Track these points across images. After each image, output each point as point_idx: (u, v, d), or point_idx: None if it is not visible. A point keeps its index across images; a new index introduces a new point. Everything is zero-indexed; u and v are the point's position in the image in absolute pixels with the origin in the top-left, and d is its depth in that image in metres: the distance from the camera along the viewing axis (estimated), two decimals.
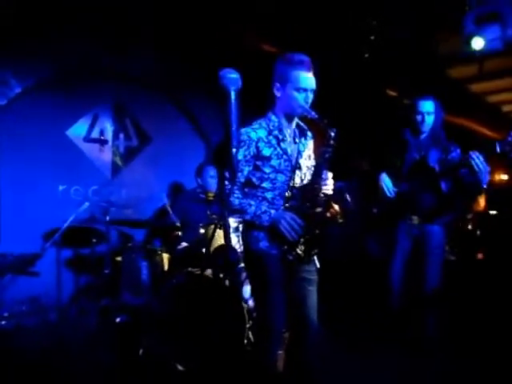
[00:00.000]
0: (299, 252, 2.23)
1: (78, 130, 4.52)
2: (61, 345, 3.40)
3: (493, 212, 7.22)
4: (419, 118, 3.28)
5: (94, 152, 4.59)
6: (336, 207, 2.32)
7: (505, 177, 8.20)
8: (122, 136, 4.72)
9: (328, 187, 2.28)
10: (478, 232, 6.74)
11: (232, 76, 1.36)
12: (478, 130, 7.14)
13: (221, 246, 3.42)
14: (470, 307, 4.20)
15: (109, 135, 4.66)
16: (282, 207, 2.27)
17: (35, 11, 3.95)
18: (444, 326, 3.40)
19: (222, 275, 3.25)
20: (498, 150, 2.88)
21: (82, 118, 4.52)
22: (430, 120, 3.28)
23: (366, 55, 4.41)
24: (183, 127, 4.93)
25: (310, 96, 2.24)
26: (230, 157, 1.26)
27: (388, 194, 3.39)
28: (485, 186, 3.05)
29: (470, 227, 6.80)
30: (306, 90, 2.21)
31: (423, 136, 3.34)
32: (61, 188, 4.43)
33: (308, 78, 2.21)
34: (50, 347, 3.36)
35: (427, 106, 3.27)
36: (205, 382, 2.85)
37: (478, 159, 2.92)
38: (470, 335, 3.62)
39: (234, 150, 1.26)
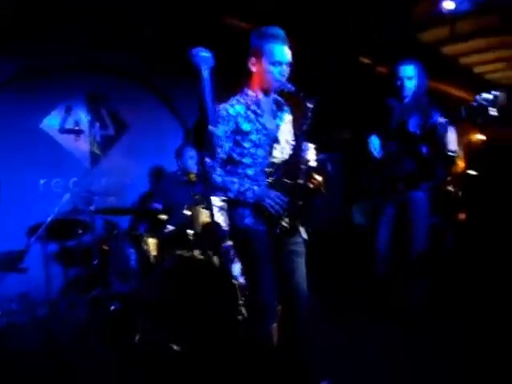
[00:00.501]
0: (285, 225, 2.25)
1: (51, 122, 4.42)
2: (53, 340, 3.38)
3: (472, 172, 7.36)
4: (399, 83, 3.29)
5: (70, 143, 4.51)
6: (318, 178, 2.34)
7: (482, 137, 8.33)
8: (97, 125, 4.64)
9: (309, 159, 2.29)
10: (460, 193, 6.88)
11: (204, 54, 1.35)
12: (451, 92, 7.22)
13: (207, 225, 3.43)
14: (454, 270, 4.30)
15: (84, 125, 4.58)
16: (265, 183, 2.28)
17: (4, 3, 3.82)
18: (428, 293, 3.45)
19: (210, 253, 3.26)
20: (464, 115, 2.91)
21: (55, 109, 4.43)
22: (410, 85, 3.28)
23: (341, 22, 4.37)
24: (160, 112, 4.87)
25: (286, 69, 2.24)
26: (207, 134, 1.25)
27: (375, 154, 3.41)
28: (451, 153, 3.10)
29: (450, 189, 6.92)
30: (281, 64, 2.21)
31: (406, 101, 3.34)
32: (41, 182, 4.37)
33: (283, 51, 2.21)
34: (43, 342, 3.35)
35: (407, 71, 3.27)
36: (202, 361, 2.88)
37: (442, 127, 2.99)
38: (454, 301, 3.71)
39: (211, 127, 1.26)
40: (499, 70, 6.71)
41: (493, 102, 2.79)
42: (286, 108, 2.44)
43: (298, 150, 2.30)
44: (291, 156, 2.35)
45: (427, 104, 3.29)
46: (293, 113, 2.46)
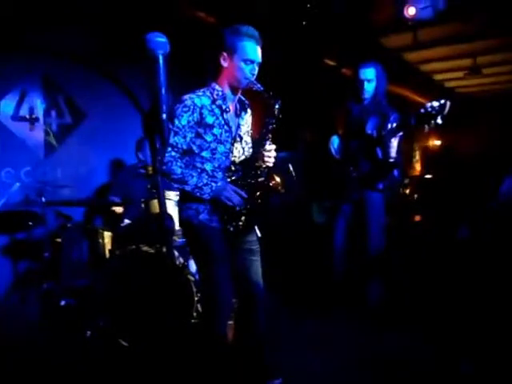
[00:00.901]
0: (240, 223, 2.24)
1: (4, 108, 4.22)
2: (4, 335, 3.26)
3: (428, 176, 7.60)
4: (359, 85, 3.33)
5: (24, 131, 4.32)
6: (277, 178, 2.36)
7: (438, 142, 8.62)
8: (54, 113, 4.47)
9: (270, 158, 2.28)
10: (415, 196, 7.08)
11: (159, 40, 1.31)
12: (411, 97, 7.42)
13: (156, 215, 3.37)
14: (410, 270, 4.41)
15: (39, 112, 4.40)
16: (223, 180, 2.26)
17: None
18: (385, 292, 3.52)
19: (158, 245, 3.20)
20: (413, 122, 3.00)
21: (8, 94, 4.24)
22: (370, 87, 3.33)
23: (304, 23, 4.40)
24: (118, 101, 4.73)
25: (256, 68, 2.24)
26: (159, 123, 1.22)
27: (334, 153, 3.48)
28: (391, 160, 3.22)
29: (407, 191, 7.11)
30: (253, 62, 2.21)
31: (365, 102, 3.39)
32: None
33: (256, 51, 2.21)
34: None
35: (367, 74, 3.32)
36: (155, 357, 2.83)
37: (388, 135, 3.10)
38: (411, 299, 3.77)
39: (164, 115, 1.22)
40: (458, 78, 6.93)
41: (439, 110, 2.89)
42: (248, 110, 2.45)
43: (259, 149, 2.29)
44: (252, 155, 2.35)
45: (385, 106, 3.35)
46: (256, 113, 2.47)
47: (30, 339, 3.15)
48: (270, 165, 2.30)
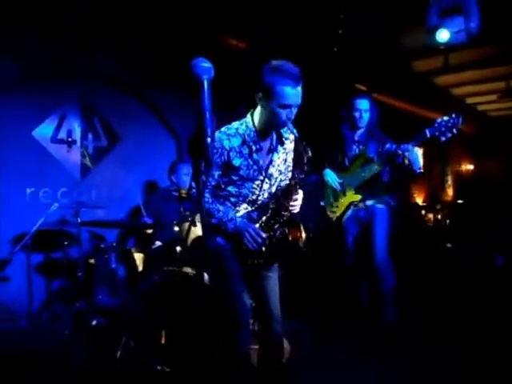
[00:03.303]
0: (256, 263, 2.26)
1: (44, 131, 4.39)
2: (34, 351, 3.31)
3: (460, 201, 7.44)
4: (357, 114, 3.53)
5: (61, 153, 4.47)
6: (303, 233, 2.34)
7: (471, 166, 8.45)
8: (90, 136, 4.61)
9: (295, 206, 2.27)
10: (447, 221, 6.93)
11: (204, 65, 1.34)
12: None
13: (198, 239, 3.39)
14: (439, 296, 4.32)
15: (77, 135, 4.55)
16: (246, 215, 2.28)
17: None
18: (408, 318, 3.58)
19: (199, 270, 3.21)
20: (428, 135, 3.16)
21: (48, 117, 4.40)
22: (366, 116, 3.54)
23: (335, 49, 4.45)
24: (153, 125, 4.86)
25: (294, 111, 2.11)
26: (204, 146, 1.24)
27: (335, 186, 3.62)
28: (418, 171, 3.34)
29: (439, 217, 6.97)
30: (290, 107, 2.07)
31: (361, 131, 3.60)
32: (29, 191, 4.31)
33: (295, 94, 2.04)
34: (23, 354, 3.27)
35: (363, 104, 3.53)
36: (186, 381, 2.82)
37: (407, 150, 3.24)
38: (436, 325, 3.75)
39: (209, 139, 1.24)
40: (491, 101, 6.84)
41: (452, 124, 3.08)
42: (290, 138, 2.32)
43: (286, 195, 2.26)
44: (278, 200, 2.29)
45: (379, 132, 3.59)
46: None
47: (61, 357, 3.18)
48: (294, 211, 2.28)
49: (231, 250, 2.25)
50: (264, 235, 2.23)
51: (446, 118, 3.11)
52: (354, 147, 3.63)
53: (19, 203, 4.23)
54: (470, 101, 7.20)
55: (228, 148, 2.17)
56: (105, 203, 4.33)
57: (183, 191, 3.66)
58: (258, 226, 2.26)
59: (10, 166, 4.17)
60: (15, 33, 3.98)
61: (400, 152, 3.27)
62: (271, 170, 2.27)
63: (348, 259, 3.71)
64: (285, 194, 2.29)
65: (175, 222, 3.50)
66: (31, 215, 3.89)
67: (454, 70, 5.64)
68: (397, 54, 5.12)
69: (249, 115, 2.23)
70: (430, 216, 6.93)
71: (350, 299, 3.76)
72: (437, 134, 3.12)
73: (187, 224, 3.45)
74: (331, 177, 3.66)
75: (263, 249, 2.24)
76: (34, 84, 4.22)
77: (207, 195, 2.23)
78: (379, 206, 3.57)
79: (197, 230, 3.42)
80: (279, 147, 2.28)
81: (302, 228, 2.33)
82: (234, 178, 2.23)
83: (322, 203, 3.78)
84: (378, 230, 3.53)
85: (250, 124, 2.20)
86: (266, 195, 2.30)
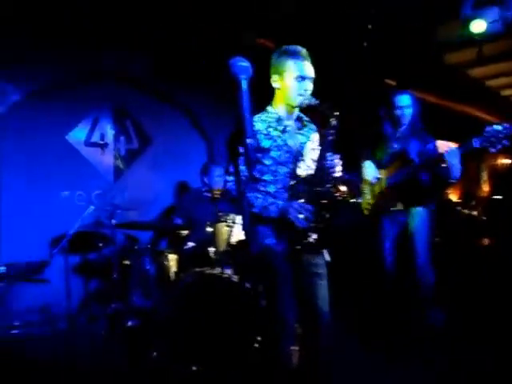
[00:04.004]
0: (311, 241, 2.19)
1: (78, 135, 4.48)
2: (72, 353, 3.36)
3: (497, 197, 7.21)
4: (399, 112, 3.42)
5: (95, 156, 4.56)
6: (343, 188, 2.29)
7: (507, 161, 8.17)
8: (122, 139, 4.68)
9: (336, 170, 2.23)
10: (484, 218, 6.73)
11: (242, 64, 1.33)
12: (477, 115, 7.12)
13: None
14: (475, 294, 4.19)
15: (109, 138, 4.62)
16: (290, 194, 2.23)
17: (32, 16, 3.92)
18: (448, 318, 3.42)
19: (232, 272, 3.21)
20: (475, 145, 2.96)
21: (81, 121, 4.49)
22: (408, 113, 3.42)
23: (365, 44, 4.37)
24: (184, 127, 4.90)
25: (310, 84, 2.21)
26: (244, 146, 1.22)
27: (371, 180, 3.48)
28: (454, 181, 3.17)
29: (474, 213, 6.78)
30: (304, 78, 2.19)
31: (402, 128, 3.46)
32: (64, 194, 4.40)
33: (306, 67, 2.20)
34: (62, 355, 3.33)
35: (404, 100, 3.41)
36: (220, 382, 2.81)
37: (453, 156, 3.05)
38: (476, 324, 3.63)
39: (249, 140, 1.22)
40: None
41: (505, 135, 2.84)
42: (312, 127, 2.40)
43: (322, 161, 2.23)
44: (316, 169, 2.28)
45: (422, 129, 3.42)
46: (319, 129, 2.41)
47: (96, 357, 3.23)
48: (336, 175, 2.24)
49: (281, 252, 2.20)
50: (310, 207, 2.16)
51: (496, 127, 2.87)
52: (395, 145, 3.48)
53: (55, 206, 4.32)
54: (504, 93, 6.97)
55: (254, 132, 2.19)
56: (137, 205, 4.39)
57: (216, 192, 3.67)
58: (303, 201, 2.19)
59: (45, 169, 4.27)
60: (51, 37, 4.06)
61: (445, 159, 3.08)
62: (302, 151, 2.30)
63: (387, 265, 3.52)
64: (320, 159, 2.26)
65: (208, 223, 3.51)
66: (67, 218, 3.96)
67: (489, 61, 5.46)
68: (429, 46, 4.99)
69: (268, 106, 2.31)
70: (466, 212, 6.74)
71: (387, 303, 3.60)
72: (486, 144, 2.90)
73: (220, 224, 3.46)
74: (370, 170, 3.51)
75: (311, 224, 2.16)
76: (68, 88, 4.32)
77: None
78: (419, 208, 3.39)
79: (230, 231, 3.42)
80: (305, 131, 2.34)
81: (338, 186, 2.29)
82: (267, 162, 2.22)
83: (358, 199, 3.65)
84: (419, 234, 3.37)
85: (272, 109, 2.30)
86: (302, 181, 2.27)
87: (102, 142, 4.57)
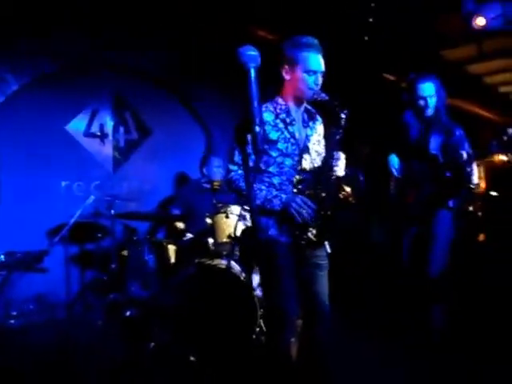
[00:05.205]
0: (311, 236, 2.19)
1: (77, 125, 4.47)
2: (70, 342, 3.38)
3: (493, 193, 7.24)
4: (422, 102, 3.18)
5: (94, 146, 4.55)
6: (347, 189, 2.29)
7: (504, 157, 8.21)
8: (122, 129, 4.67)
9: (340, 168, 2.25)
10: (480, 213, 6.76)
11: (251, 53, 1.33)
12: (475, 111, 7.14)
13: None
14: (472, 292, 4.20)
15: (109, 129, 4.61)
16: (293, 191, 2.23)
17: (32, 6, 3.90)
18: (450, 317, 3.37)
19: (231, 262, 3.23)
20: (495, 149, 2.94)
21: (81, 112, 4.47)
22: (432, 103, 3.19)
23: (366, 38, 4.37)
24: (183, 118, 4.89)
25: (320, 78, 2.20)
26: (253, 135, 1.23)
27: (395, 173, 3.35)
28: (473, 186, 3.04)
29: (471, 209, 6.80)
30: (315, 72, 2.18)
31: (426, 119, 3.25)
32: (63, 184, 4.39)
33: (317, 60, 2.18)
34: (60, 344, 3.35)
35: (428, 89, 3.17)
36: (218, 372, 2.82)
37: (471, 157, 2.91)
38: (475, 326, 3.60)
39: (257, 128, 1.23)
40: None
41: None
42: (318, 119, 2.40)
43: (328, 159, 2.25)
44: (321, 165, 2.30)
45: (448, 122, 3.21)
46: (325, 123, 2.42)
47: (93, 347, 3.24)
48: (340, 174, 2.26)
49: (284, 243, 2.20)
50: (312, 204, 2.17)
51: None
52: (417, 137, 3.28)
53: (54, 196, 4.32)
54: (503, 89, 6.98)
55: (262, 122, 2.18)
56: (136, 196, 4.40)
57: (216, 183, 3.68)
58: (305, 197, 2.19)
59: (45, 160, 4.26)
60: (49, 28, 4.04)
61: (462, 153, 2.92)
62: (308, 144, 2.29)
63: (404, 263, 3.40)
64: (326, 156, 2.28)
65: (208, 214, 3.52)
66: (66, 208, 3.97)
67: (488, 57, 5.47)
68: (429, 42, 4.99)
69: (276, 96, 2.29)
70: (462, 208, 6.77)
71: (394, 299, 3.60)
72: (505, 148, 2.90)
73: (219, 215, 3.47)
74: (394, 163, 3.36)
75: (313, 219, 2.16)
76: (67, 79, 4.29)
77: None
78: (442, 211, 3.21)
79: (229, 222, 3.43)
80: (311, 123, 2.34)
81: (344, 186, 2.30)
82: (274, 154, 2.21)
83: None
84: (436, 238, 3.21)
85: (280, 100, 2.27)
86: (308, 170, 2.28)
87: (101, 133, 4.56)
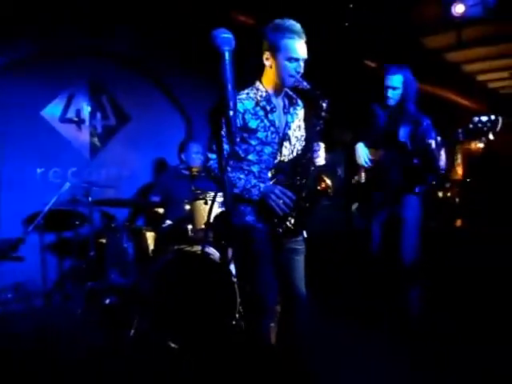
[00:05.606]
0: (289, 225, 2.20)
1: (53, 110, 4.36)
2: (48, 330, 3.35)
3: (470, 180, 7.38)
4: (386, 92, 3.24)
5: (71, 132, 4.45)
6: (328, 181, 2.29)
7: (481, 145, 8.34)
8: (99, 115, 4.58)
9: (319, 159, 2.23)
10: (457, 199, 6.89)
11: (225, 36, 1.30)
12: (454, 99, 7.22)
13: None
14: (449, 277, 4.28)
15: (85, 115, 4.52)
16: (272, 181, 2.22)
17: None
18: (425, 301, 3.42)
19: (210, 249, 3.23)
20: (461, 137, 2.90)
21: (57, 97, 4.37)
22: (395, 95, 3.23)
23: (346, 24, 4.36)
24: (162, 104, 4.82)
25: (302, 65, 2.16)
26: (227, 118, 1.21)
27: (364, 163, 3.37)
28: (442, 172, 3.09)
29: (448, 195, 6.93)
30: (297, 60, 2.13)
31: (391, 108, 3.31)
32: (39, 171, 4.30)
33: (300, 47, 2.12)
34: (39, 333, 3.32)
35: (394, 81, 3.21)
36: (198, 358, 2.84)
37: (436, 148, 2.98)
38: (450, 310, 3.68)
39: (231, 112, 1.21)
40: (503, 78, 6.71)
41: (491, 127, 2.78)
42: (299, 103, 2.37)
43: (308, 150, 2.23)
44: (301, 155, 2.27)
45: (415, 113, 3.25)
46: (305, 109, 2.41)
47: (73, 335, 3.22)
48: (320, 163, 2.24)
49: (261, 229, 2.19)
50: (291, 195, 2.15)
51: (483, 119, 2.80)
52: (385, 127, 3.33)
53: (30, 183, 4.22)
54: (481, 78, 7.06)
55: (242, 111, 2.17)
56: (114, 182, 4.33)
57: (194, 169, 3.65)
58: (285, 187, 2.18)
59: (20, 146, 4.15)
60: (27, 13, 3.92)
61: (430, 142, 2.99)
62: (288, 132, 2.27)
63: (373, 248, 3.46)
64: (306, 146, 2.25)
65: (186, 201, 3.50)
66: (42, 195, 3.90)
67: (467, 45, 5.51)
68: (408, 29, 5.00)
69: (257, 81, 2.25)
70: (440, 194, 6.89)
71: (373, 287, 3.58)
72: (471, 136, 2.87)
73: (198, 202, 3.46)
74: (363, 152, 3.38)
75: (292, 210, 2.15)
76: (42, 63, 4.18)
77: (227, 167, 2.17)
78: (411, 196, 3.27)
79: (208, 208, 3.42)
80: (291, 109, 2.31)
81: (324, 177, 2.29)
82: (253, 142, 2.19)
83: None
84: (409, 221, 3.27)
85: (261, 86, 2.24)
86: (287, 161, 2.27)
87: (77, 119, 4.47)
